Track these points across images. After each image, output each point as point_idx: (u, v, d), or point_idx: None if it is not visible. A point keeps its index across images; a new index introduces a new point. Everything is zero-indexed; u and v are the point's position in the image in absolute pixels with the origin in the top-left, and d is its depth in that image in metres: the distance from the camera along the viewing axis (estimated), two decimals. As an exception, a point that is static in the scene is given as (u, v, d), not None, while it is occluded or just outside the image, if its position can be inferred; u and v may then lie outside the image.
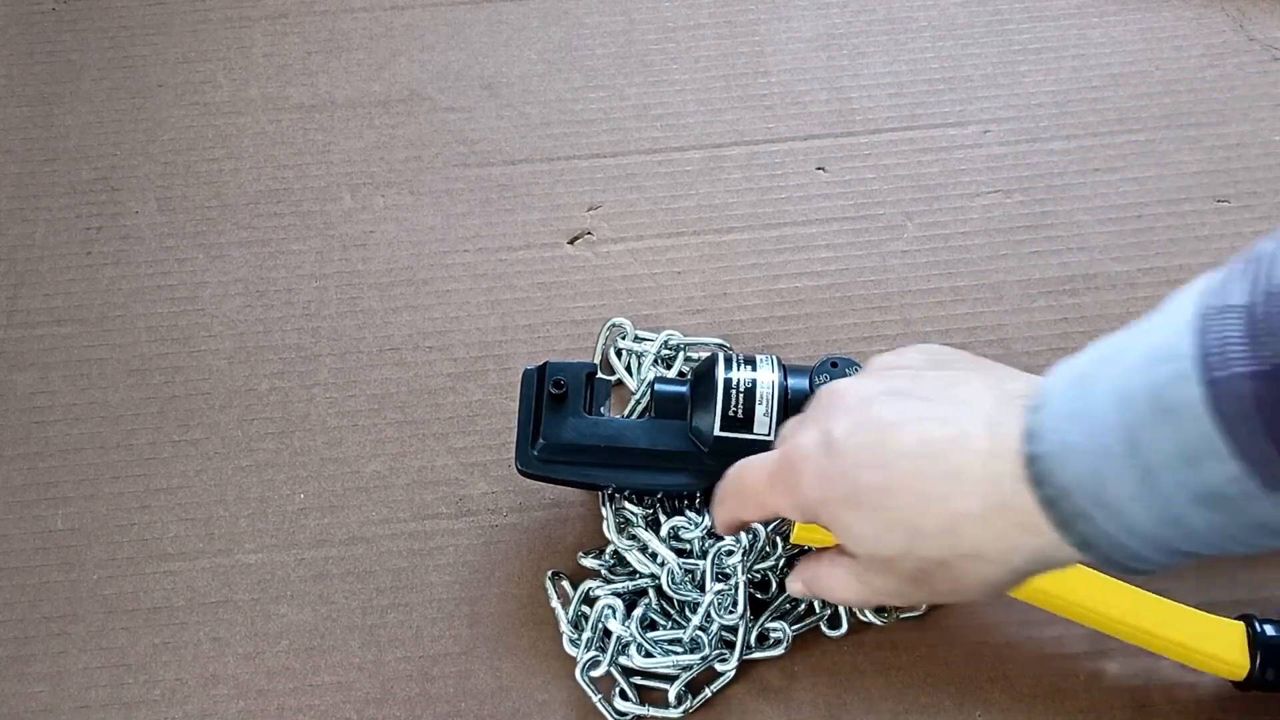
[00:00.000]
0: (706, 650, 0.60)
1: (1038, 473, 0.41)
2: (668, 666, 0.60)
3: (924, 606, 0.62)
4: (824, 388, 0.50)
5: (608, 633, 0.61)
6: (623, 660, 0.61)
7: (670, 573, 0.61)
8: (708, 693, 0.61)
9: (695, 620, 0.60)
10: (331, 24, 0.86)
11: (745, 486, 0.51)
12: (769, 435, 0.59)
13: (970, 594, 0.47)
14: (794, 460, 0.48)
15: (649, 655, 0.60)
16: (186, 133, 0.81)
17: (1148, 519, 0.39)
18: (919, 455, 0.45)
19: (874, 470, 0.45)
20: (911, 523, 0.45)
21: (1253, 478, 0.36)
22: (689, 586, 0.61)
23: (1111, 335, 0.42)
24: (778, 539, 0.61)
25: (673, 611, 0.62)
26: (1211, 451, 0.36)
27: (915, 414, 0.45)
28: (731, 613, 0.60)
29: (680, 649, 0.61)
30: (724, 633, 0.61)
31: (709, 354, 0.67)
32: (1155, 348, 0.38)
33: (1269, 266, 0.36)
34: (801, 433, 0.48)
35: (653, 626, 0.61)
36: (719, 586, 0.60)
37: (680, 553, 0.62)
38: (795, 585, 0.54)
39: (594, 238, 0.76)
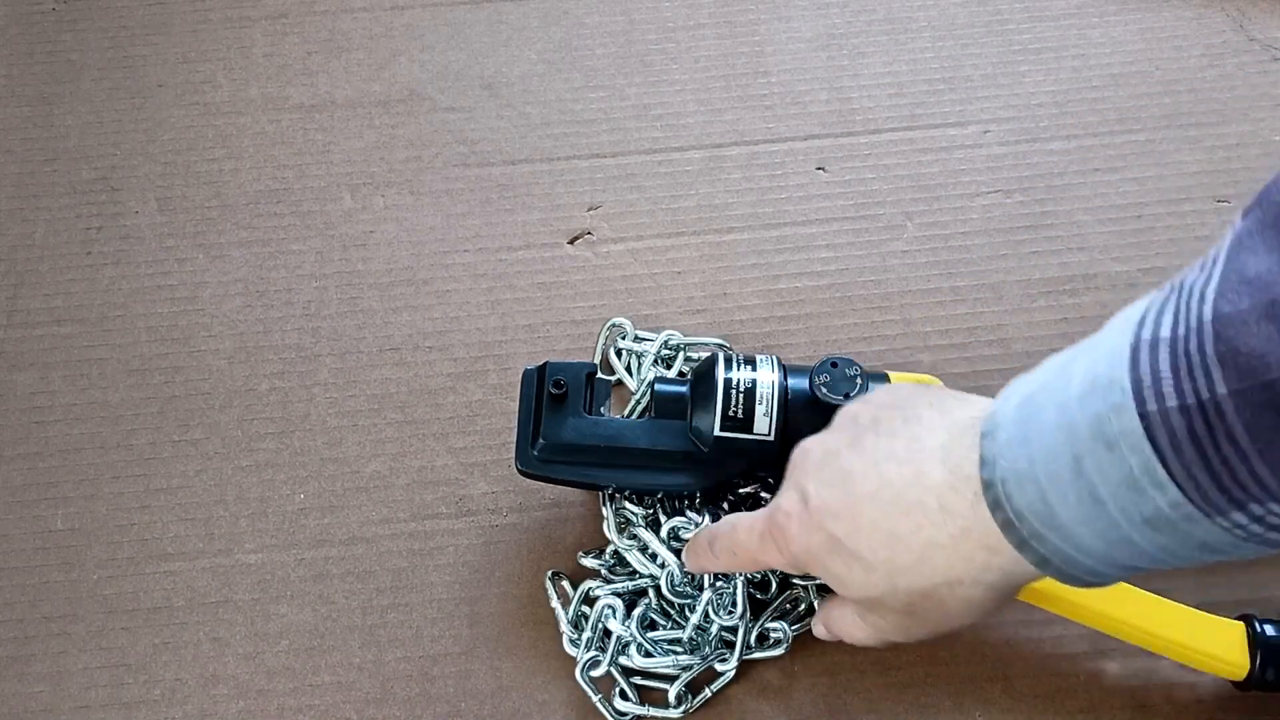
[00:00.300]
0: (707, 650, 0.60)
1: (993, 498, 0.44)
2: (668, 666, 0.60)
3: None
4: (797, 448, 0.53)
5: (608, 633, 0.61)
6: (623, 660, 0.61)
7: (670, 574, 0.61)
8: (708, 693, 0.61)
9: (694, 619, 0.60)
10: (331, 24, 0.86)
11: (738, 545, 0.55)
12: (769, 435, 0.59)
13: (961, 619, 0.50)
14: (779, 521, 0.51)
15: (649, 655, 0.60)
16: (186, 133, 0.81)
17: (1097, 540, 0.41)
18: (880, 497, 0.48)
19: (844, 519, 0.49)
20: (887, 561, 0.48)
21: (1193, 503, 0.38)
22: (689, 587, 0.61)
23: (1057, 356, 0.44)
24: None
25: (672, 612, 0.62)
26: (1153, 479, 0.38)
27: (874, 458, 0.48)
28: (731, 613, 0.60)
29: (680, 649, 0.61)
30: (724, 633, 0.61)
31: (709, 354, 0.67)
32: (1096, 377, 0.40)
33: (1194, 301, 0.38)
34: (784, 495, 0.52)
35: (653, 626, 0.61)
36: (718, 584, 0.60)
37: (680, 553, 0.62)
38: (818, 628, 0.57)
39: (594, 238, 0.76)
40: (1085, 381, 0.40)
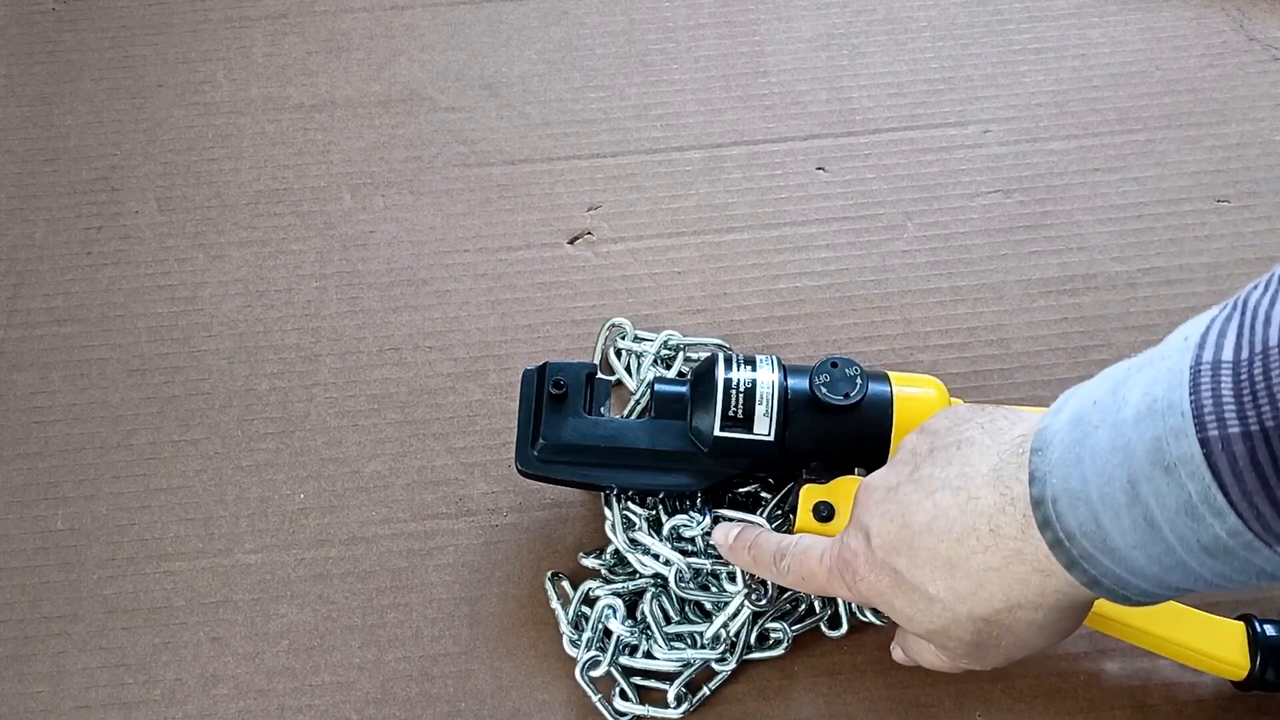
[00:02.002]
0: (719, 646, 0.60)
1: (1044, 516, 0.43)
2: (671, 663, 0.60)
3: None
4: (861, 484, 0.53)
5: (608, 633, 0.61)
6: (623, 660, 0.61)
7: (679, 571, 0.61)
8: (706, 691, 0.61)
9: (726, 614, 0.60)
10: (331, 24, 0.86)
11: (808, 573, 0.55)
12: (769, 435, 0.59)
13: (1034, 643, 0.49)
14: (846, 559, 0.52)
15: (650, 655, 0.60)
16: (186, 133, 0.81)
17: (1152, 565, 0.40)
18: (935, 527, 0.47)
19: (904, 553, 0.49)
20: (949, 591, 0.47)
21: (1253, 532, 0.37)
22: (693, 586, 0.61)
23: (1111, 371, 0.43)
24: (778, 539, 0.61)
25: (673, 612, 0.62)
26: (1211, 506, 0.37)
27: (929, 488, 0.48)
28: (762, 600, 0.60)
29: (683, 645, 0.61)
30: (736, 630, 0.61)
31: (708, 354, 0.67)
32: (1154, 400, 0.39)
33: (1259, 323, 0.37)
34: (850, 532, 0.52)
35: (652, 627, 0.61)
36: (752, 585, 0.61)
37: (683, 552, 0.62)
38: (896, 653, 0.57)
39: (594, 238, 0.76)
40: (1142, 403, 0.39)
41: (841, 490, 0.59)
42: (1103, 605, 0.57)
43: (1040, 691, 0.61)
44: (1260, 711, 0.59)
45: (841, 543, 0.53)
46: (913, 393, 0.60)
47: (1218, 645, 0.57)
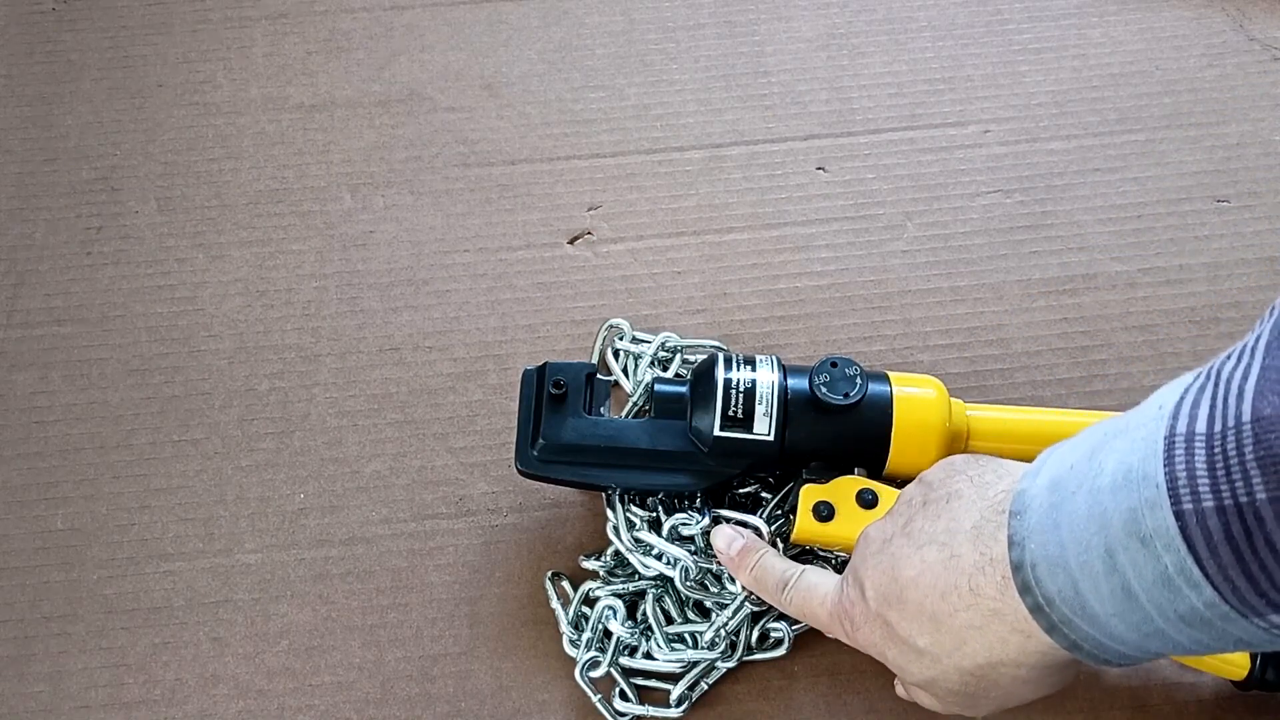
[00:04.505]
0: (720, 646, 0.60)
1: (1023, 581, 0.43)
2: (674, 663, 0.60)
3: None
4: (860, 535, 0.54)
5: (608, 633, 0.61)
6: (623, 660, 0.61)
7: (684, 569, 0.61)
8: (704, 686, 0.61)
9: (726, 614, 0.60)
10: (331, 24, 0.86)
11: (809, 614, 0.56)
12: (769, 435, 0.59)
13: (1023, 696, 0.49)
14: (845, 608, 0.53)
15: (650, 656, 0.60)
16: (186, 133, 0.81)
17: (1131, 632, 0.40)
18: (921, 582, 0.48)
19: (894, 606, 0.49)
20: (934, 645, 0.48)
21: (1229, 604, 0.37)
22: (696, 585, 0.61)
23: (1088, 434, 0.43)
24: (778, 540, 0.61)
25: (674, 613, 0.62)
26: (1188, 579, 0.37)
27: (918, 542, 0.49)
28: (741, 610, 0.60)
29: (683, 645, 0.61)
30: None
31: (707, 355, 0.67)
32: (1129, 470, 0.39)
33: (1232, 396, 0.36)
34: (848, 582, 0.53)
35: (653, 628, 0.61)
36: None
37: (685, 550, 0.62)
38: (899, 689, 0.57)
39: (594, 238, 0.76)
40: (1118, 471, 0.39)
41: (841, 490, 0.59)
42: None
43: (1040, 691, 0.61)
44: (1260, 711, 0.59)
45: (841, 590, 0.53)
46: (913, 393, 0.60)
47: (1218, 645, 0.57)
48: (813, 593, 0.55)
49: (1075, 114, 0.80)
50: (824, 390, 0.59)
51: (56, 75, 0.84)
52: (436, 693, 0.62)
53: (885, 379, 0.61)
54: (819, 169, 0.79)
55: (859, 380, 0.59)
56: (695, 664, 0.60)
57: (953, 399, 0.61)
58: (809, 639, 0.62)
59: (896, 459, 0.59)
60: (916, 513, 0.50)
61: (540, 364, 0.63)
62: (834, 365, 0.59)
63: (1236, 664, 0.57)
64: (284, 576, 0.65)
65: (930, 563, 0.47)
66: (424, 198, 0.78)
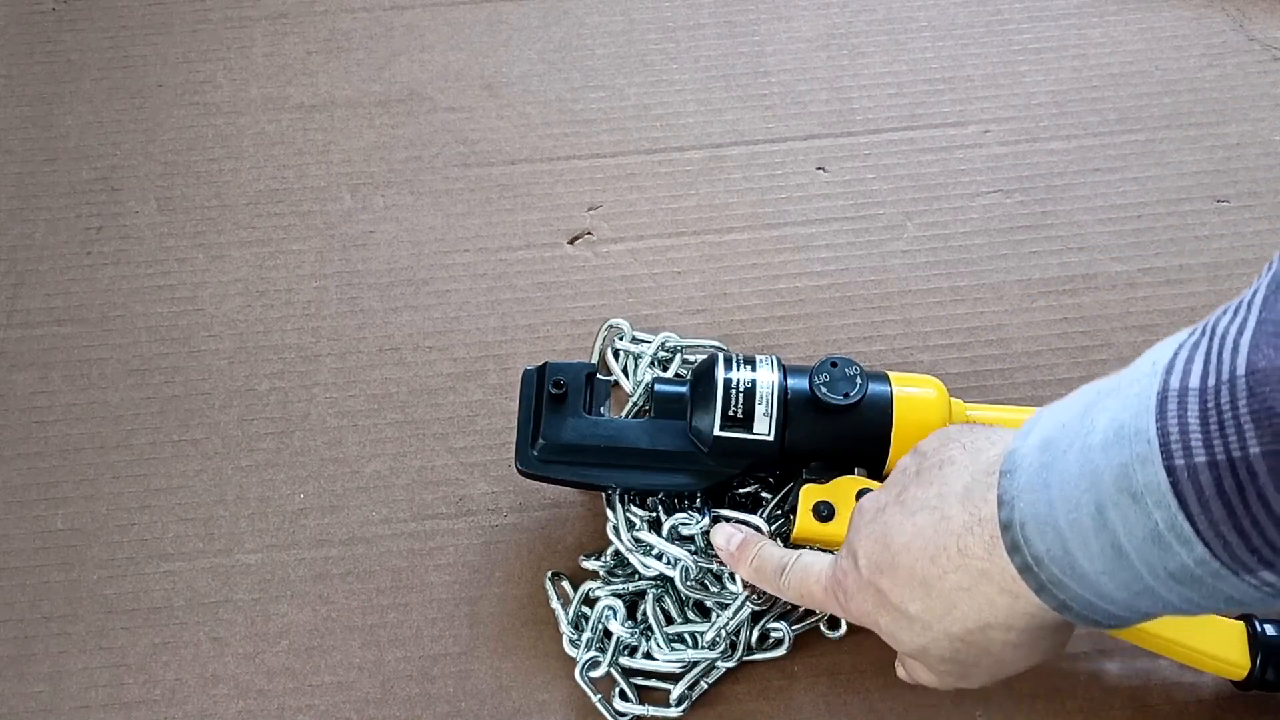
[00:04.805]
0: (720, 646, 0.60)
1: (1012, 540, 0.43)
2: (671, 663, 0.60)
3: None
4: (855, 506, 0.54)
5: (608, 633, 0.61)
6: (623, 660, 0.61)
7: (685, 569, 0.61)
8: (704, 686, 0.61)
9: (727, 614, 0.60)
10: (331, 24, 0.86)
11: (806, 593, 0.56)
12: (769, 435, 0.59)
13: (1015, 663, 0.49)
14: (839, 579, 0.53)
15: (650, 656, 0.60)
16: (186, 133, 0.81)
17: (1120, 590, 0.40)
18: (912, 547, 0.48)
19: (887, 574, 0.49)
20: (925, 611, 0.48)
21: (1220, 561, 0.36)
22: (697, 585, 0.61)
23: (1080, 393, 0.43)
24: (777, 539, 0.61)
25: (675, 613, 0.62)
26: (1179, 535, 0.37)
27: (911, 509, 0.49)
28: (742, 610, 0.60)
29: (683, 645, 0.61)
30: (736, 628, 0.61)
31: (707, 355, 0.67)
32: (1121, 426, 0.38)
33: (1227, 350, 0.36)
34: (843, 554, 0.53)
35: (653, 628, 0.61)
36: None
37: (685, 549, 0.62)
38: (900, 671, 0.58)
39: (594, 238, 0.76)
40: (1110, 428, 0.39)
41: (841, 490, 0.59)
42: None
43: (1040, 691, 0.61)
44: (1260, 711, 0.59)
45: (835, 563, 0.53)
46: (912, 393, 0.60)
47: (1218, 645, 0.57)
48: (808, 571, 0.55)
49: (1075, 114, 0.80)
50: (824, 390, 0.59)
51: (56, 75, 0.84)
52: (436, 693, 0.62)
53: (885, 379, 0.61)
54: (819, 169, 0.79)
55: (859, 380, 0.59)
56: (695, 664, 0.60)
57: (953, 399, 0.61)
58: (809, 639, 0.62)
59: (897, 459, 0.59)
60: (910, 481, 0.50)
61: (540, 364, 0.63)
62: (834, 365, 0.59)
63: (1236, 664, 0.57)
64: (284, 576, 0.65)
65: (921, 527, 0.47)
66: (424, 198, 0.78)
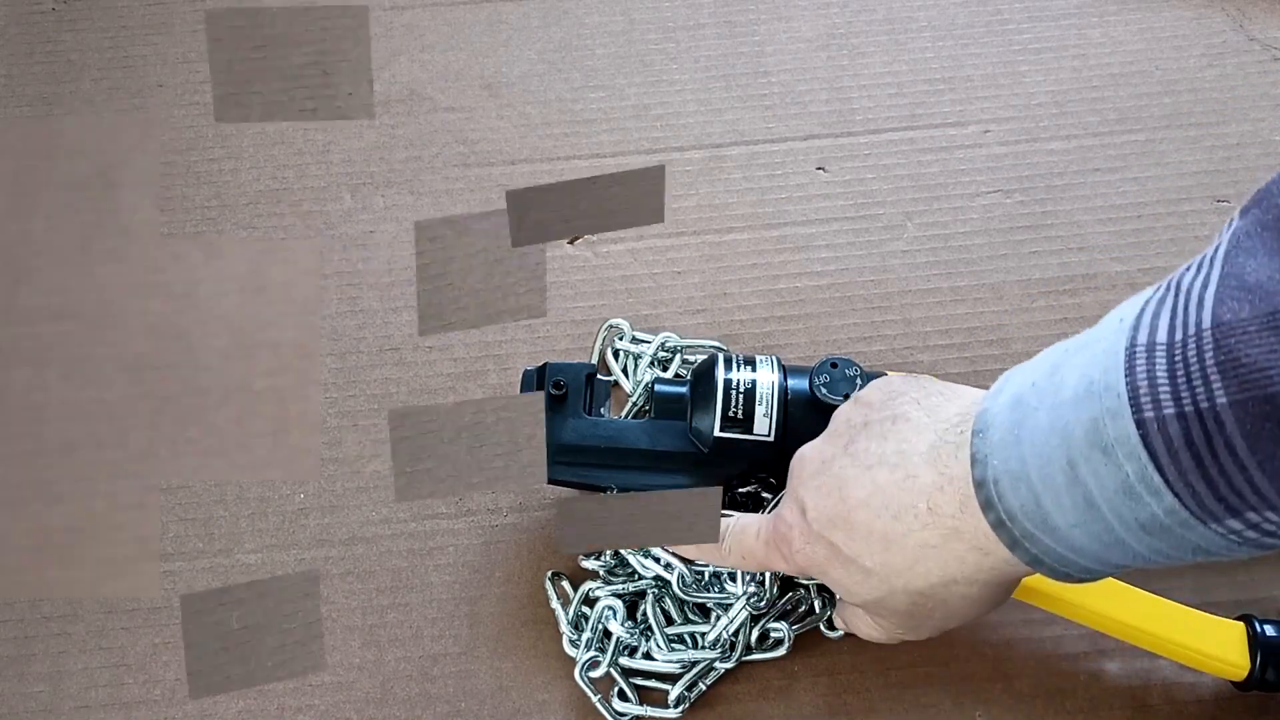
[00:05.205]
0: (721, 648, 0.60)
1: (985, 497, 0.43)
2: (673, 664, 0.60)
3: None
4: (795, 456, 0.54)
5: (608, 633, 0.61)
6: (623, 661, 0.61)
7: (680, 575, 0.61)
8: (702, 686, 0.61)
9: (727, 617, 0.60)
10: (331, 24, 0.86)
11: (747, 553, 0.55)
12: (769, 436, 0.59)
13: (965, 615, 0.50)
14: (782, 532, 0.53)
15: (650, 656, 0.60)
16: (186, 133, 0.81)
17: (1091, 543, 0.41)
18: (872, 503, 0.48)
19: (841, 528, 0.49)
20: (884, 565, 0.48)
21: (1188, 510, 0.37)
22: (694, 589, 0.61)
23: (1049, 352, 0.44)
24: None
25: (675, 614, 0.62)
26: (1149, 486, 0.38)
27: (866, 463, 0.49)
28: (761, 599, 0.60)
29: (683, 646, 0.61)
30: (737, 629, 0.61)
31: (707, 355, 0.67)
32: (1091, 382, 0.39)
33: (1193, 305, 0.37)
34: (785, 505, 0.53)
35: (653, 628, 0.61)
36: (750, 590, 0.60)
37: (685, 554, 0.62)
38: (837, 620, 0.58)
39: (594, 238, 0.76)
40: (1080, 384, 0.40)
41: (841, 490, 0.59)
42: (1103, 604, 0.57)
43: (1040, 691, 0.61)
44: (1260, 711, 0.59)
45: (777, 516, 0.53)
46: (913, 393, 0.60)
47: (1218, 645, 0.57)
48: (746, 531, 0.55)
49: (1075, 114, 0.80)
50: (824, 391, 0.59)
51: (56, 75, 0.84)
52: (436, 693, 0.62)
53: (885, 379, 0.61)
54: (819, 169, 0.79)
55: (859, 380, 0.59)
56: (694, 664, 0.60)
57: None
58: (809, 639, 0.62)
59: (896, 459, 0.60)
60: (859, 433, 0.50)
61: (540, 364, 0.63)
62: (834, 366, 0.59)
63: (1236, 664, 0.57)
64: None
65: (882, 484, 0.48)
66: (424, 198, 0.78)
